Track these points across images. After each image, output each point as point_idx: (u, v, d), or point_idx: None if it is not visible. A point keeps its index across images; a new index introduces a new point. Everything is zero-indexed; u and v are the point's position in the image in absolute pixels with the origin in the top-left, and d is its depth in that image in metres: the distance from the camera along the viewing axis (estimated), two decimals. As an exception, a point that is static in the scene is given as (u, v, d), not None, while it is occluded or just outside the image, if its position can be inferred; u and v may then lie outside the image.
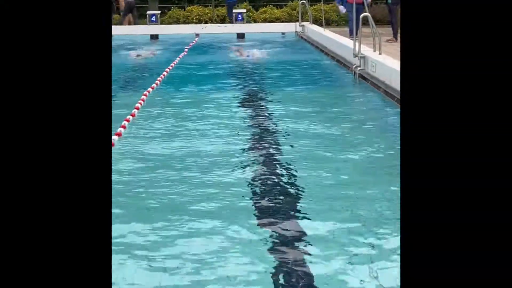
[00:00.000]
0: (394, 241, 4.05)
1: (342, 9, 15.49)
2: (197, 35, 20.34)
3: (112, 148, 6.49)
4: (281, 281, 3.61)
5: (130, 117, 7.94)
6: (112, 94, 10.13)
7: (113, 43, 19.32)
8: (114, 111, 8.73)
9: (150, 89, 9.97)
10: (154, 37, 20.68)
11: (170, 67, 12.74)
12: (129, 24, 22.24)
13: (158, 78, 11.14)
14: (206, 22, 22.58)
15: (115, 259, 3.60)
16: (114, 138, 6.80)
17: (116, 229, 4.12)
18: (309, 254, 3.93)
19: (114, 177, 5.50)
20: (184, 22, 22.71)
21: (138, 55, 15.44)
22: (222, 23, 22.52)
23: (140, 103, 8.82)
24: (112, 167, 5.58)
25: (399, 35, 14.78)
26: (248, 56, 14.69)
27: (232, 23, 21.64)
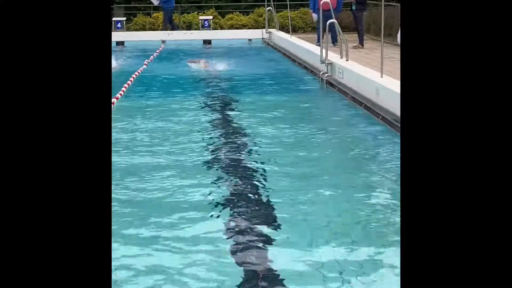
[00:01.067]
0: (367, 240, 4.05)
1: (315, 16, 15.45)
2: (163, 41, 20.24)
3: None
4: None
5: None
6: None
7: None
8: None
9: (114, 99, 9.65)
10: (120, 43, 20.52)
11: (136, 74, 12.58)
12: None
13: (123, 88, 10.98)
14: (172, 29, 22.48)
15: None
16: None
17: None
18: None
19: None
20: (150, 29, 22.58)
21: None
22: (188, 29, 22.44)
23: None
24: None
25: (365, 41, 14.90)
26: (214, 63, 14.63)
27: (166, 30, 21.47)
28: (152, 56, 16.08)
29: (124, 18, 22.25)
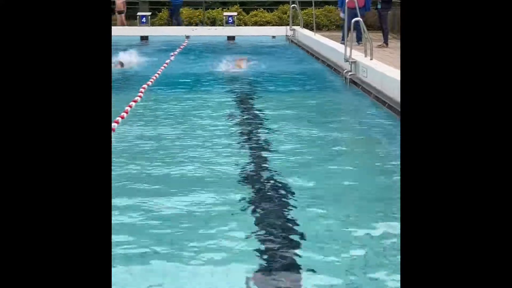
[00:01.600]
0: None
1: (342, 15, 15.32)
2: (187, 37, 20.29)
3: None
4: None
5: (119, 118, 7.87)
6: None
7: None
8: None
9: (137, 97, 9.66)
10: (144, 38, 20.61)
11: (160, 71, 12.60)
12: (122, 25, 22.21)
13: (147, 82, 11.01)
14: (196, 24, 22.54)
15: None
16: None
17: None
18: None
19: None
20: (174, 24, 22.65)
21: (120, 63, 13.53)
22: (212, 25, 22.48)
23: (127, 111, 8.63)
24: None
25: (389, 40, 14.80)
26: (237, 59, 14.60)
27: (178, 25, 21.75)
28: (175, 52, 16.08)
29: (149, 13, 22.34)
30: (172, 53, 15.75)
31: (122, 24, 22.14)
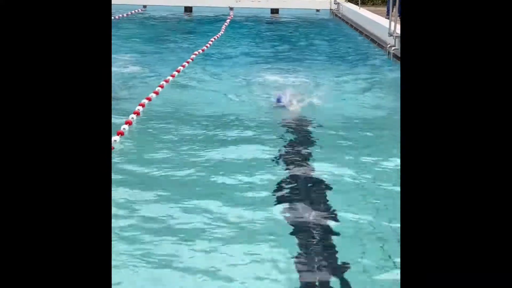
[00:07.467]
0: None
1: None
2: (231, 9, 20.25)
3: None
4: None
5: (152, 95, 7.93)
6: (145, 66, 10.09)
7: (147, 14, 19.24)
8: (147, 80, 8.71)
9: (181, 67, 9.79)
10: (188, 9, 20.62)
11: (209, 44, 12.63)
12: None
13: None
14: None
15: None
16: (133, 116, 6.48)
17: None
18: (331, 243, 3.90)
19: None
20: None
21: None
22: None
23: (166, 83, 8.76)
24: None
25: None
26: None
27: None
28: (222, 28, 15.91)
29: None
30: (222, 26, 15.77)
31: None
